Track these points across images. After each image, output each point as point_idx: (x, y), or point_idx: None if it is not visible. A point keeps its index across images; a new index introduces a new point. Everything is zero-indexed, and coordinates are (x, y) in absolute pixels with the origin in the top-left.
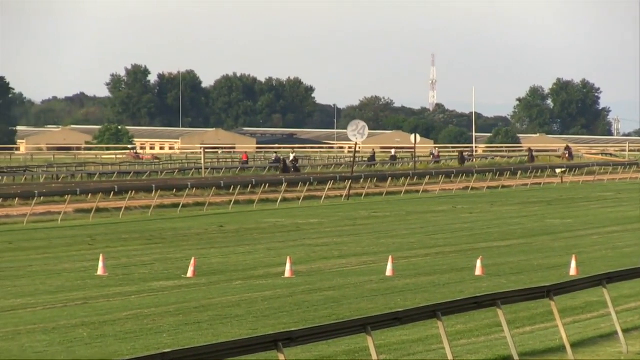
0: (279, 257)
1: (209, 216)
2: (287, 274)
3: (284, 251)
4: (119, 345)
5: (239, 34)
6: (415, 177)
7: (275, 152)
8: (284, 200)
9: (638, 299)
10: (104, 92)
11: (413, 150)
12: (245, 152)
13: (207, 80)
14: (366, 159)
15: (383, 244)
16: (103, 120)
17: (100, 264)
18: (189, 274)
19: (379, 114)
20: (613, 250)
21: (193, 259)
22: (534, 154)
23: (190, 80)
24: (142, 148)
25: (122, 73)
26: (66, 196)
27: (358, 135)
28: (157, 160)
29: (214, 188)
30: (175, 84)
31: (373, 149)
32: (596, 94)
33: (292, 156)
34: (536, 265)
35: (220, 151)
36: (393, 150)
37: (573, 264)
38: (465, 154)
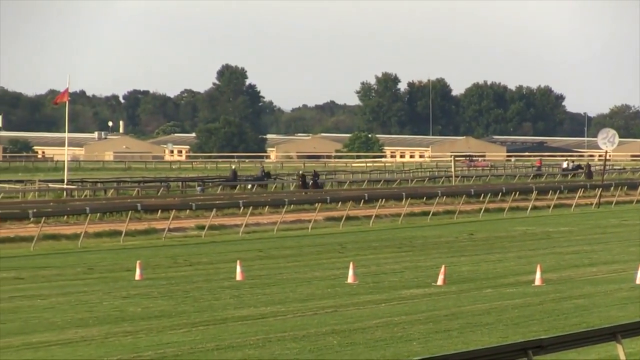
0: (528, 265)
1: (459, 224)
2: (537, 282)
3: (534, 259)
4: (368, 353)
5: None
6: None
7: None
8: (534, 208)
9: None
10: (354, 100)
11: None
12: (540, 159)
13: (457, 88)
14: (617, 168)
15: (633, 252)
16: (353, 128)
17: (350, 272)
18: (439, 282)
19: (629, 122)
20: None
21: (443, 267)
22: None
23: (440, 88)
24: (392, 156)
25: (372, 81)
26: (316, 204)
27: (608, 143)
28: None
29: (464, 196)
30: (425, 92)
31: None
32: None
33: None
34: None
35: (513, 159)
36: None
37: None
38: None
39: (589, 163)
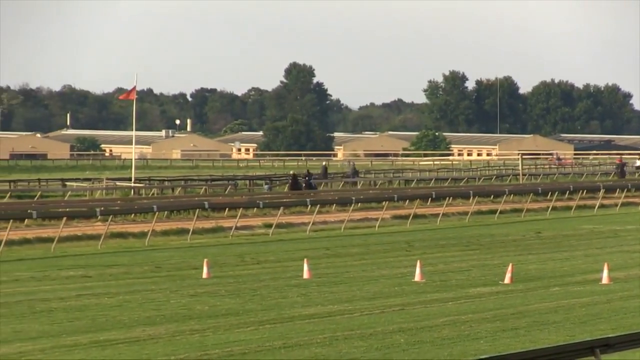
0: (596, 264)
1: (526, 222)
2: (605, 280)
3: (601, 257)
4: (436, 351)
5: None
6: None
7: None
8: (602, 206)
9: None
10: (421, 99)
11: None
12: (620, 157)
13: (525, 86)
14: None
15: None
16: (420, 127)
17: (417, 270)
18: (506, 280)
19: None
20: None
21: (510, 265)
22: None
23: (507, 86)
24: (459, 154)
25: (440, 79)
26: (383, 202)
27: None
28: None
29: (531, 194)
30: (493, 90)
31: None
32: None
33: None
34: None
35: (591, 157)
36: None
37: None
38: None
39: (624, 161)
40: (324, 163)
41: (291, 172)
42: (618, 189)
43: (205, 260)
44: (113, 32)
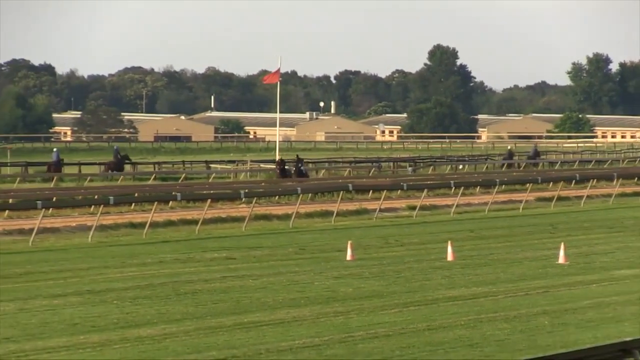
0: None
1: None
2: None
3: None
4: (580, 333)
5: None
6: None
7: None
8: None
9: None
10: (565, 81)
11: None
12: None
13: None
14: None
15: None
16: (564, 109)
17: (561, 253)
18: None
19: None
20: None
21: None
22: None
23: None
24: (603, 136)
25: (584, 62)
26: (527, 185)
27: None
28: None
29: None
30: (637, 72)
31: None
32: None
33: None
34: None
35: None
36: None
37: None
38: None
39: None
40: (509, 147)
41: (278, 159)
42: None
43: (349, 242)
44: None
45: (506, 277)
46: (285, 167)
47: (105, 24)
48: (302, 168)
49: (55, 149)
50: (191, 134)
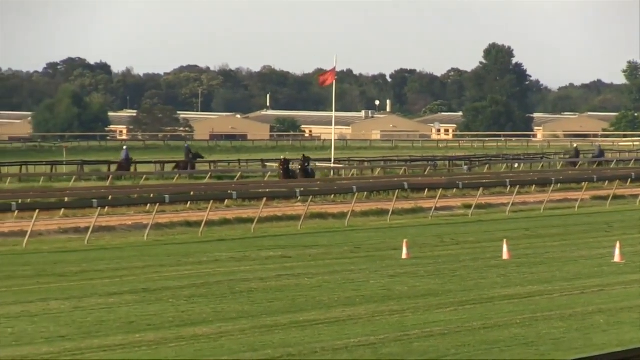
0: None
1: None
2: None
3: None
4: (635, 332)
5: None
6: None
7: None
8: None
9: None
10: (620, 79)
11: None
12: None
13: None
14: None
15: None
16: (619, 108)
17: (617, 251)
18: None
19: None
20: None
21: None
22: None
23: None
24: None
25: (639, 60)
26: (583, 183)
27: None
28: None
29: None
30: None
31: None
32: None
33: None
34: None
35: None
36: None
37: None
38: None
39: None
40: (575, 145)
41: (282, 157)
42: None
43: (405, 240)
44: (314, 13)
45: (562, 276)
46: (289, 167)
47: (161, 23)
48: (308, 167)
49: (124, 147)
50: (247, 132)
